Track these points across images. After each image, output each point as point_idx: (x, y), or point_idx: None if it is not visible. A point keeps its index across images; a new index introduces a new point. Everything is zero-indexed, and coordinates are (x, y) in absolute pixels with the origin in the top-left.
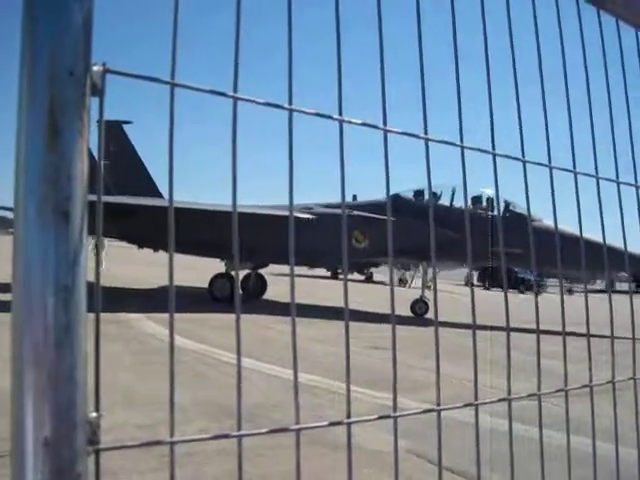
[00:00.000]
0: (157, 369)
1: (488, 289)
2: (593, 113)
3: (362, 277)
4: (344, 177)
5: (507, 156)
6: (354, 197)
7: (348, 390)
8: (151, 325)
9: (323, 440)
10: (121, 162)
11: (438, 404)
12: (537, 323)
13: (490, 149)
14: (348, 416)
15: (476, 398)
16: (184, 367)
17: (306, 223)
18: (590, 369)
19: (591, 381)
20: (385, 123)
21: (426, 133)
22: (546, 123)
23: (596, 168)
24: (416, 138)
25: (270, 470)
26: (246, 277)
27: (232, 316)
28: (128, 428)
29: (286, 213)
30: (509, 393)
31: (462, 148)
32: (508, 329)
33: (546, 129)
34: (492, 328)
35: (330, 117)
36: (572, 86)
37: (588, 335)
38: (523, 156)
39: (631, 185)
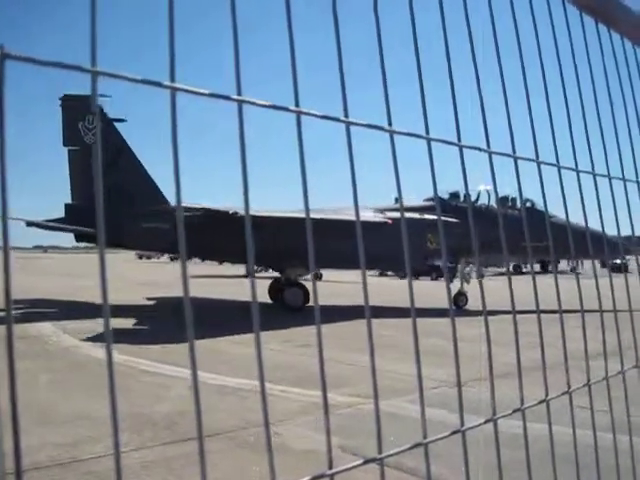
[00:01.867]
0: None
1: (402, 278)
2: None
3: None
4: (355, 179)
5: (500, 153)
6: (396, 200)
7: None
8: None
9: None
10: (117, 163)
11: (462, 424)
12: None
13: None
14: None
15: (522, 402)
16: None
17: (382, 227)
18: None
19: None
20: (390, 124)
21: (427, 133)
22: (531, 119)
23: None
24: (419, 138)
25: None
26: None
27: None
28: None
29: (352, 218)
30: (494, 413)
31: (460, 147)
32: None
33: (531, 124)
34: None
35: (337, 119)
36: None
37: (538, 311)
38: (514, 152)
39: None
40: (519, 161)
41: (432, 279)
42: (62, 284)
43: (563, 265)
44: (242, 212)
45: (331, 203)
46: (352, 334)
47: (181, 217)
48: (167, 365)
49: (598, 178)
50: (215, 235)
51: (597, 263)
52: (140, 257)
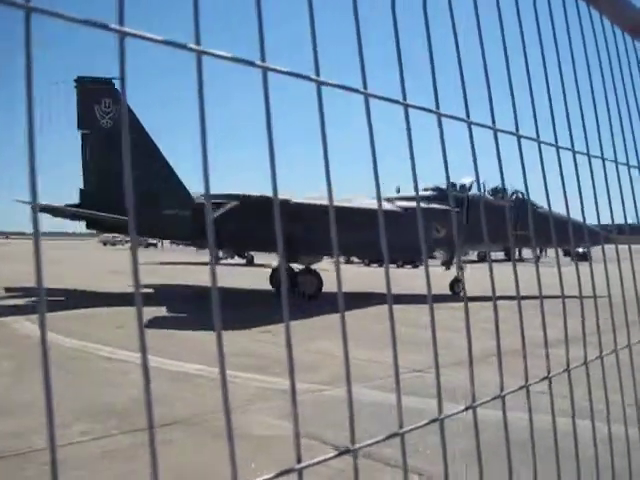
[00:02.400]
0: None
1: (368, 265)
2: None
3: (244, 261)
4: (375, 158)
5: (480, 124)
6: (398, 189)
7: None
8: None
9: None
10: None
11: (440, 412)
12: (496, 323)
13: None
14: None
15: (473, 396)
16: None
17: (396, 216)
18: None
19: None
20: (365, 87)
21: (405, 99)
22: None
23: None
24: (396, 104)
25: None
26: (300, 273)
27: None
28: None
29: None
30: (473, 400)
31: (439, 115)
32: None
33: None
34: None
35: (357, 90)
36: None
37: (517, 298)
38: (492, 123)
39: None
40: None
41: (398, 266)
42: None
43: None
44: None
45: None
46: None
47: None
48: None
49: (579, 157)
50: (252, 223)
51: (560, 252)
52: (104, 244)
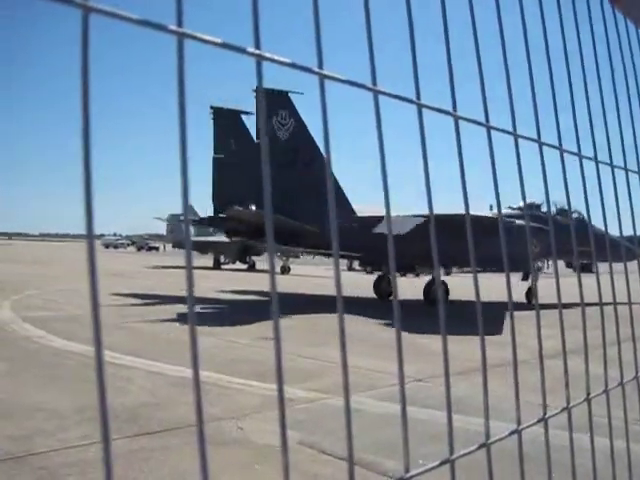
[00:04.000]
0: None
1: (371, 273)
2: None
3: (245, 266)
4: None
5: (501, 130)
6: (490, 207)
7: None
8: None
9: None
10: (239, 157)
11: (519, 423)
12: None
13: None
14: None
15: (546, 412)
16: None
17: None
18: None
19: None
20: (375, 83)
21: (418, 98)
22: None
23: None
24: (409, 103)
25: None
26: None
27: None
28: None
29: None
30: (518, 423)
31: (456, 118)
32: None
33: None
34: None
35: (364, 86)
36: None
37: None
38: (487, 122)
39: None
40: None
41: (415, 276)
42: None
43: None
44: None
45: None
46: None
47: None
48: None
49: (602, 166)
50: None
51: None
52: (107, 246)
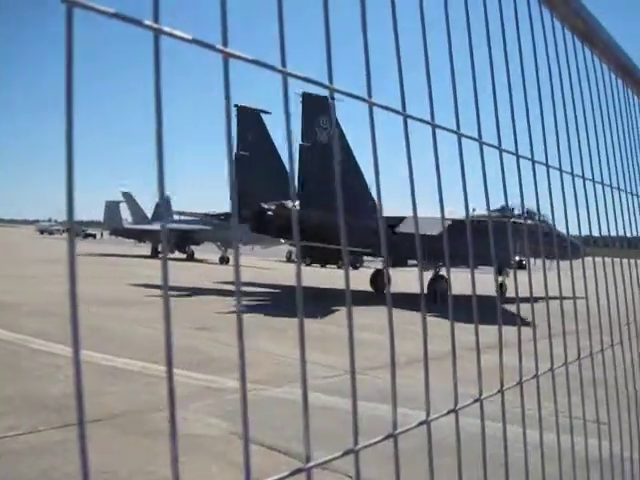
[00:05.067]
0: None
1: (309, 265)
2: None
3: (184, 255)
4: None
5: (444, 128)
6: (473, 209)
7: None
8: None
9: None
10: (259, 154)
11: (428, 414)
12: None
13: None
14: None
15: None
16: None
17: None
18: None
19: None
20: (331, 82)
21: (370, 96)
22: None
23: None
24: (362, 101)
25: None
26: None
27: None
28: None
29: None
30: (427, 414)
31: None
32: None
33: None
34: None
35: (322, 84)
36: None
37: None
38: (458, 128)
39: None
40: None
41: (338, 267)
42: None
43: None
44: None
45: None
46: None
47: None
48: None
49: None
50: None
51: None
52: (41, 232)
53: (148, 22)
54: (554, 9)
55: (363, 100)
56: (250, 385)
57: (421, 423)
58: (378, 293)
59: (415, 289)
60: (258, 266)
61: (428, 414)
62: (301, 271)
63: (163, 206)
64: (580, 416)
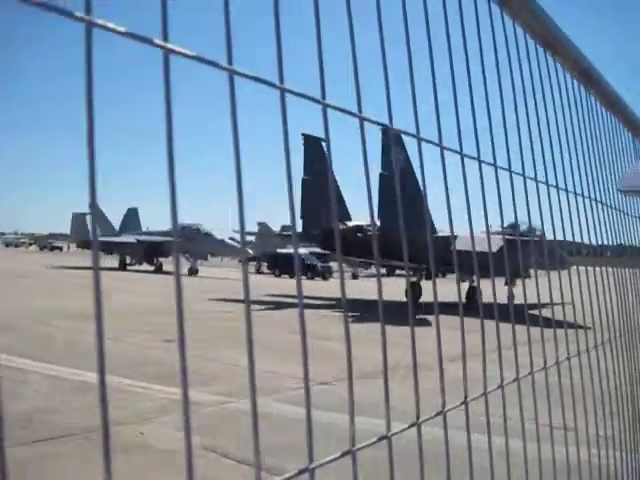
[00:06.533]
0: None
1: (278, 276)
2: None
3: (152, 267)
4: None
5: (404, 132)
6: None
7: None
8: None
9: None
10: (321, 179)
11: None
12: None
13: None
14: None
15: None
16: None
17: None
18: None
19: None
20: (282, 81)
21: (324, 98)
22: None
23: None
24: (315, 103)
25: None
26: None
27: None
28: None
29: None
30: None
31: (324, 107)
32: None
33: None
34: None
35: (271, 84)
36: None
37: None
38: (418, 132)
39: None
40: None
41: (308, 278)
42: None
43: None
44: None
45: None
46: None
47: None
48: None
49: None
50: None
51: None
52: (7, 245)
53: (158, 41)
54: (516, 17)
55: (354, 115)
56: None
57: (411, 425)
58: (414, 304)
59: (451, 298)
60: (232, 277)
61: (418, 417)
62: (344, 284)
63: (176, 233)
64: (546, 423)
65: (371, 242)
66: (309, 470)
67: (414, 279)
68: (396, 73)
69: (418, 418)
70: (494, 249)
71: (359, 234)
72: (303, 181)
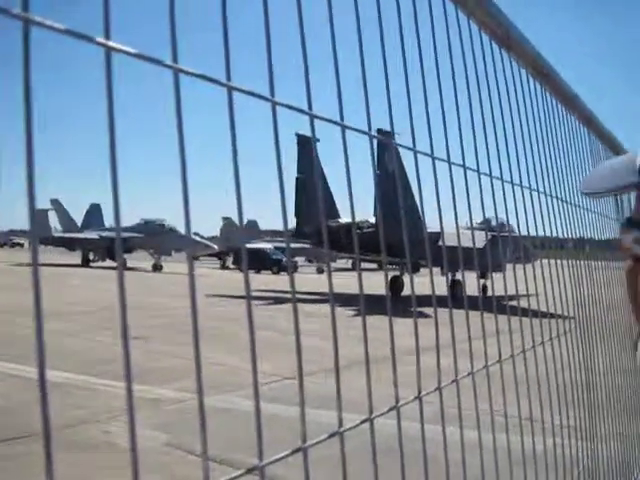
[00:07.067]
0: None
1: (277, 273)
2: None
3: (115, 263)
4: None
5: (354, 128)
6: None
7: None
8: None
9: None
10: (311, 178)
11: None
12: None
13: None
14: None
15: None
16: None
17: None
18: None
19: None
20: (229, 79)
21: (273, 96)
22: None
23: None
24: (265, 100)
25: None
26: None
27: None
28: None
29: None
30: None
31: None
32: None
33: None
34: None
35: (218, 82)
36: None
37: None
38: (342, 119)
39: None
40: None
41: (273, 273)
42: None
43: None
44: None
45: None
46: None
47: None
48: None
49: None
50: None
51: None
52: None
53: (169, 62)
54: (472, 15)
55: (337, 124)
56: None
57: (364, 421)
58: (396, 297)
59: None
60: (197, 274)
61: (371, 412)
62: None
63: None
64: (510, 414)
65: (365, 239)
66: (259, 468)
67: (397, 273)
68: (349, 74)
69: (371, 413)
70: (480, 245)
71: (357, 231)
72: (297, 179)
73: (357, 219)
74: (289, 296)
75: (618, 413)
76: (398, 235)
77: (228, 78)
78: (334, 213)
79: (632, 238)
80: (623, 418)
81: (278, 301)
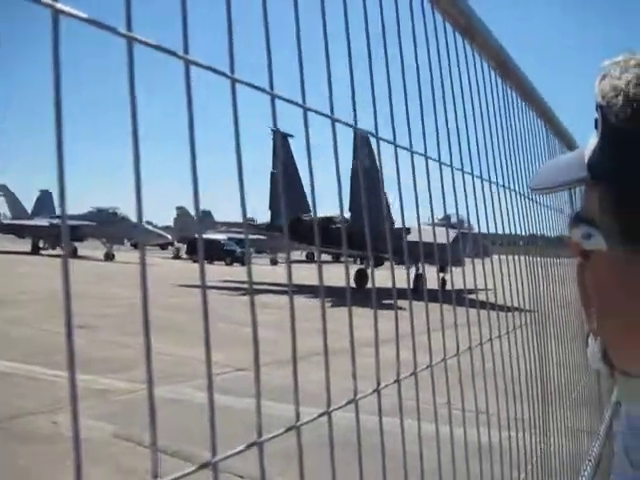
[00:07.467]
0: None
1: (196, 262)
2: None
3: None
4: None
5: (316, 111)
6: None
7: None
8: None
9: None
10: (286, 173)
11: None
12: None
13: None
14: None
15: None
16: None
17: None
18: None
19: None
20: (232, 71)
21: (272, 89)
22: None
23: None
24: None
25: None
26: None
27: None
28: None
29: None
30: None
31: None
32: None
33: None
34: None
35: (175, 54)
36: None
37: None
38: (304, 102)
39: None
40: None
41: (226, 264)
42: None
43: None
44: None
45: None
46: None
47: None
48: None
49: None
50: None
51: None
52: None
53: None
54: (436, 3)
55: (326, 116)
56: None
57: (322, 414)
58: (360, 289)
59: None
60: (149, 263)
61: (329, 405)
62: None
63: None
64: (467, 408)
65: (338, 233)
66: (212, 464)
67: (362, 266)
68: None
69: (329, 406)
70: (441, 241)
71: (332, 226)
72: (271, 174)
73: (331, 214)
74: (246, 286)
75: (569, 407)
76: (370, 230)
77: (231, 71)
78: (305, 208)
79: (580, 234)
80: (574, 412)
81: (235, 291)
